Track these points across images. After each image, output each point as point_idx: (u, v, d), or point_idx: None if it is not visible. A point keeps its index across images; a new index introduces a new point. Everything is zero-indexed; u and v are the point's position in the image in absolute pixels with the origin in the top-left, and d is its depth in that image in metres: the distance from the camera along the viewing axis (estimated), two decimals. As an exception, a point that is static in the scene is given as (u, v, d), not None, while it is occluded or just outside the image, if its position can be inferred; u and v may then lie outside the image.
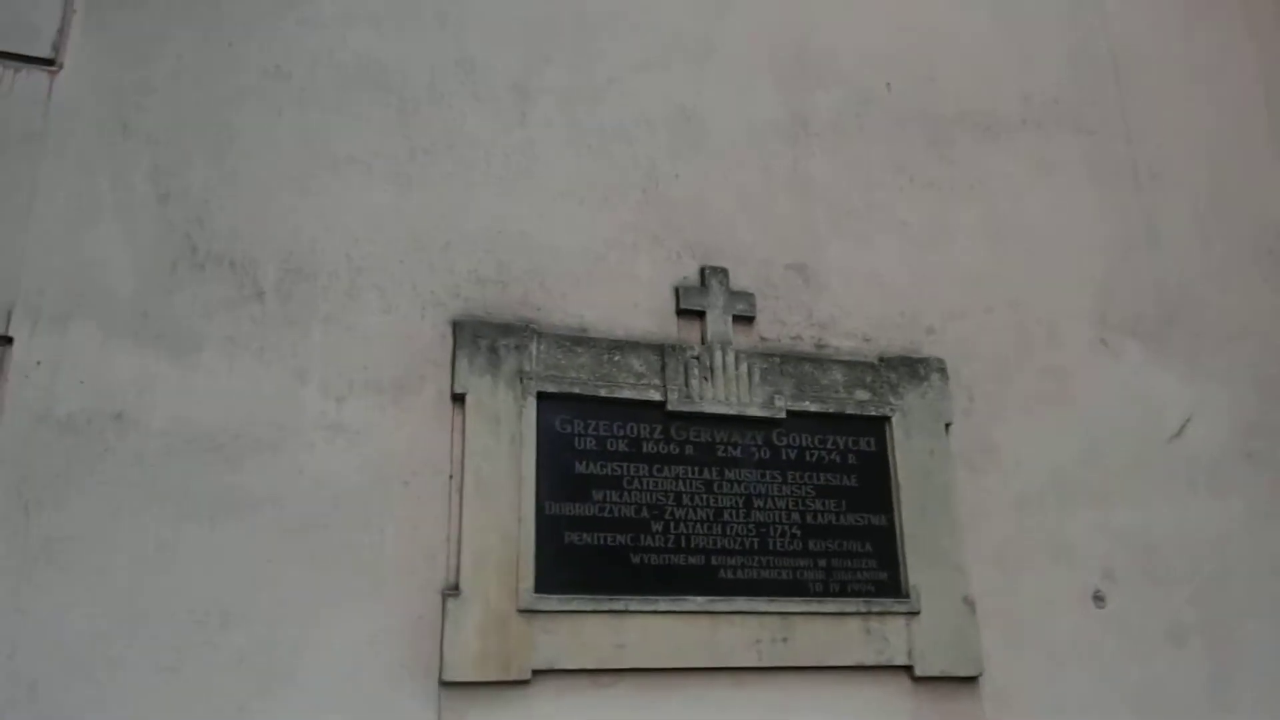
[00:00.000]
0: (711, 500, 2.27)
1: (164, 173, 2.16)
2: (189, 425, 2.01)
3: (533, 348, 2.24)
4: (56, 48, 2.16)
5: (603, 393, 2.26)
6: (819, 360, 2.47)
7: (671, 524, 2.22)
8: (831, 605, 2.25)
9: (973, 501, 2.48)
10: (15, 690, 1.78)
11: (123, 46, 2.22)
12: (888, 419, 2.45)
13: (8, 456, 1.90)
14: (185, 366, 2.05)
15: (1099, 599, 2.50)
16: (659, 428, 2.28)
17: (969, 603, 2.35)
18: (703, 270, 2.47)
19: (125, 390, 1.99)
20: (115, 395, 1.99)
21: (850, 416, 2.43)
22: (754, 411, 2.35)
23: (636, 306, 2.40)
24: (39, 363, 1.97)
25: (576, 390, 2.24)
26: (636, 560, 2.17)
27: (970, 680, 2.31)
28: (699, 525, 2.24)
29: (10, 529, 1.86)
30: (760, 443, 2.34)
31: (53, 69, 2.15)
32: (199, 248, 2.14)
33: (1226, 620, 2.56)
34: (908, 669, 2.27)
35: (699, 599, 2.16)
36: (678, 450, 2.28)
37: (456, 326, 2.23)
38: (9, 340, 1.96)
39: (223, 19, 2.31)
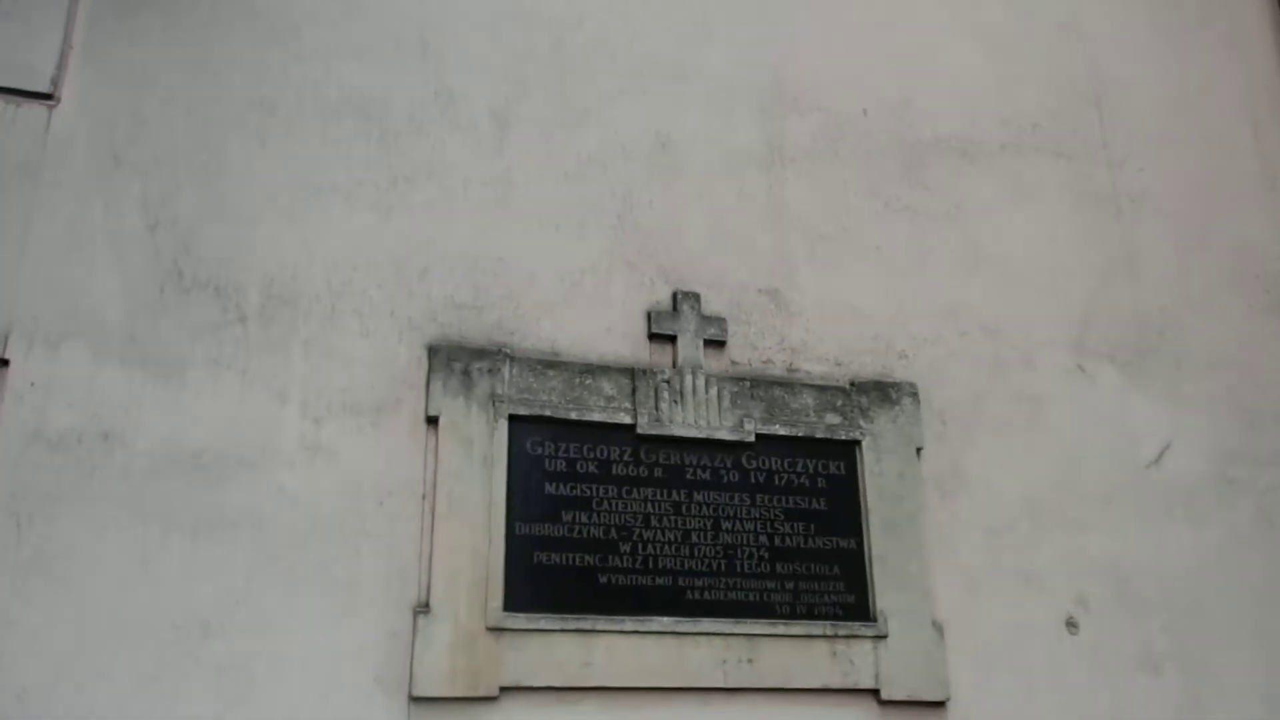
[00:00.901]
0: (680, 522, 2.30)
1: (153, 202, 2.25)
2: (173, 445, 2.09)
3: (505, 371, 2.30)
4: (55, 83, 2.26)
5: (573, 415, 2.30)
6: (790, 384, 2.49)
7: (640, 545, 2.26)
8: (798, 627, 2.27)
9: (944, 526, 2.48)
10: (4, 696, 1.87)
11: (117, 80, 2.31)
12: (858, 443, 2.46)
13: (1, 474, 1.99)
14: (171, 388, 2.13)
15: (1072, 626, 2.49)
16: (629, 450, 2.32)
17: (938, 627, 2.36)
18: (675, 295, 2.50)
19: (113, 410, 2.08)
20: (104, 415, 2.07)
21: (820, 440, 2.45)
22: (723, 435, 2.38)
23: (609, 331, 2.44)
24: (33, 384, 2.06)
25: (548, 413, 2.29)
26: (604, 580, 2.21)
27: (938, 705, 2.32)
28: (667, 547, 2.28)
29: (2, 543, 1.95)
30: (729, 465, 2.37)
31: (51, 103, 2.25)
32: (185, 274, 2.22)
33: (1201, 649, 2.53)
34: (874, 692, 2.28)
35: (666, 619, 2.20)
36: (647, 472, 2.32)
37: (432, 350, 2.29)
38: (5, 363, 2.06)
39: (212, 53, 2.40)
